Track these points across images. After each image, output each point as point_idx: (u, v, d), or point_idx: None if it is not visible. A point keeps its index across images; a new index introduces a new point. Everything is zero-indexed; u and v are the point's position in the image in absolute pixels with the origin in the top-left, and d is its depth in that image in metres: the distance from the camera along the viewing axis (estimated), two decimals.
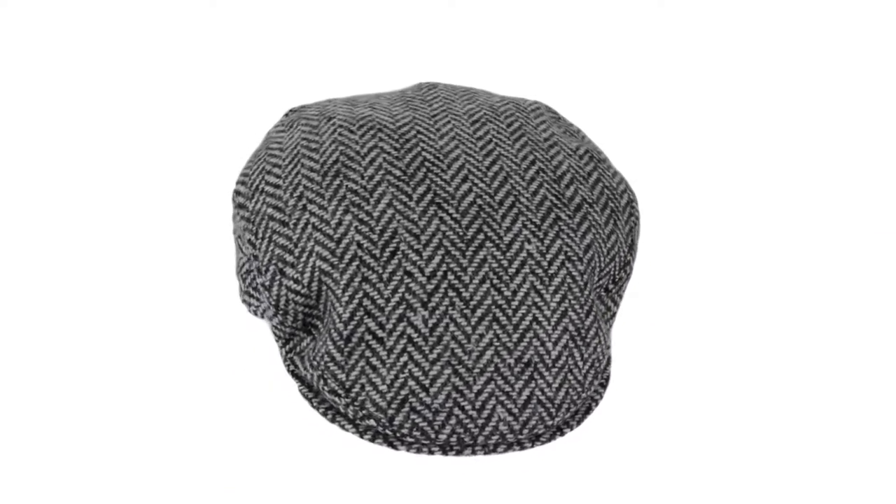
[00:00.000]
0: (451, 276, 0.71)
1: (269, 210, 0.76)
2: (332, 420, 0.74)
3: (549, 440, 0.73)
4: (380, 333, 0.71)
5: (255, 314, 0.81)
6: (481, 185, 0.75)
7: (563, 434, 0.74)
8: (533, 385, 0.70)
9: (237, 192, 0.81)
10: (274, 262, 0.75)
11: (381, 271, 0.72)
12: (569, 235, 0.74)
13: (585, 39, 1.29)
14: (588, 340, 0.73)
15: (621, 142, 1.17)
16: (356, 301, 0.71)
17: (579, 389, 0.73)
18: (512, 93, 1.28)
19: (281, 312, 0.77)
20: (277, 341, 0.81)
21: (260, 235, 0.76)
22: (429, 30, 1.30)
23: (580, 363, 0.72)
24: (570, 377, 0.72)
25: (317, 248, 0.73)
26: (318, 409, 0.75)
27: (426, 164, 0.77)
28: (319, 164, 0.77)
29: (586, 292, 0.73)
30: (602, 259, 0.76)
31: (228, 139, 1.15)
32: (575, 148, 0.83)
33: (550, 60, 1.27)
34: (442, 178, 0.75)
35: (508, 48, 1.29)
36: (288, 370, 0.79)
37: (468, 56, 1.28)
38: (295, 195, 0.76)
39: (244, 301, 0.81)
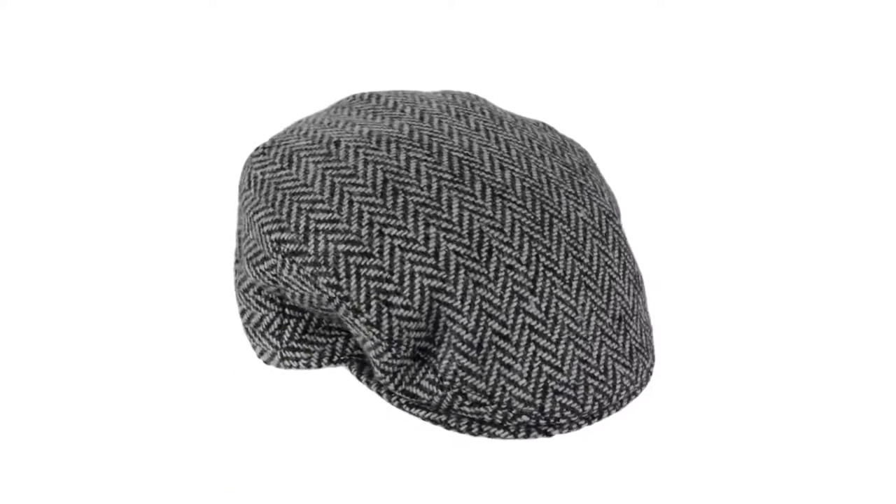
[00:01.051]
0: (543, 259, 0.73)
1: (342, 246, 0.71)
2: (479, 433, 0.73)
3: (649, 382, 0.79)
4: (504, 332, 0.71)
5: (306, 366, 0.77)
6: (517, 169, 0.77)
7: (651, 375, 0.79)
8: (629, 336, 0.75)
9: (280, 241, 0.73)
10: (374, 296, 0.71)
11: (486, 272, 0.72)
12: (598, 196, 0.79)
13: (585, 39, 1.29)
14: (643, 285, 0.79)
15: (621, 142, 1.17)
16: (477, 308, 0.71)
17: (651, 330, 0.79)
18: (512, 93, 1.28)
19: (395, 345, 0.72)
20: (379, 381, 0.75)
21: (343, 274, 0.71)
22: (429, 30, 1.30)
23: (645, 306, 0.79)
24: (644, 321, 0.78)
25: (417, 269, 0.71)
26: (457, 428, 0.73)
27: (463, 162, 0.76)
28: (370, 187, 0.74)
29: (628, 242, 0.79)
30: (617, 209, 0.82)
31: (228, 139, 1.15)
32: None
33: (550, 60, 1.27)
34: (486, 172, 0.76)
35: (508, 48, 1.29)
36: (400, 405, 0.75)
37: (468, 56, 1.28)
38: (364, 224, 0.72)
39: (285, 357, 0.77)
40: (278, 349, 0.78)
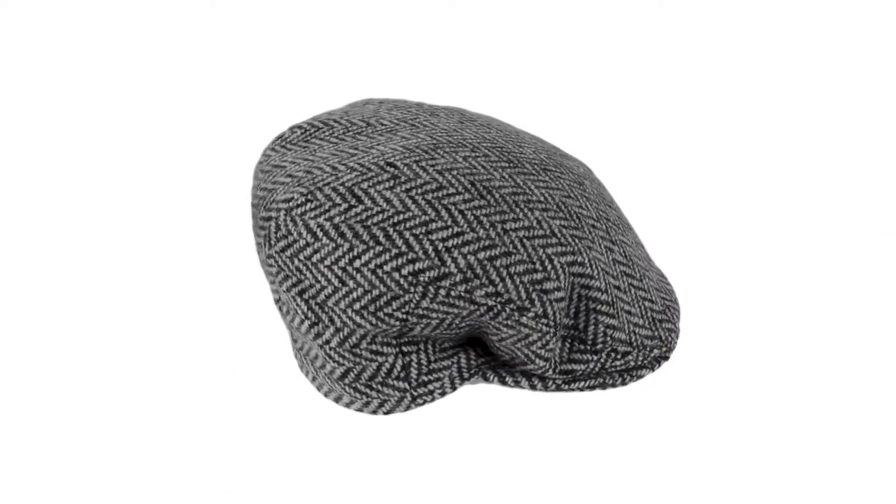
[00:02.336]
0: (603, 217, 0.82)
1: (482, 254, 0.72)
2: (632, 379, 0.79)
3: None
4: (617, 283, 0.78)
5: (441, 394, 0.77)
6: (533, 149, 0.83)
7: None
8: (651, 264, 0.87)
9: (414, 273, 0.71)
10: (531, 289, 0.72)
11: (587, 236, 0.78)
12: (570, 160, 0.87)
13: (585, 39, 1.29)
14: None
15: (621, 141, 1.17)
16: (599, 269, 0.77)
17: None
18: (512, 94, 1.28)
19: (557, 328, 0.74)
20: (535, 373, 0.77)
21: (497, 279, 0.72)
22: (429, 30, 1.30)
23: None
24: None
25: (549, 251, 0.74)
26: (613, 384, 0.79)
27: (503, 150, 0.81)
28: (465, 193, 0.75)
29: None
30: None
31: (228, 139, 1.15)
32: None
33: (550, 60, 1.27)
34: (523, 155, 0.81)
35: (508, 48, 1.29)
36: (557, 388, 0.78)
37: (468, 56, 1.28)
38: (486, 226, 0.73)
39: (417, 396, 0.76)
40: (407, 390, 0.76)
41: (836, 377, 0.85)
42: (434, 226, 0.72)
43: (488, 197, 0.75)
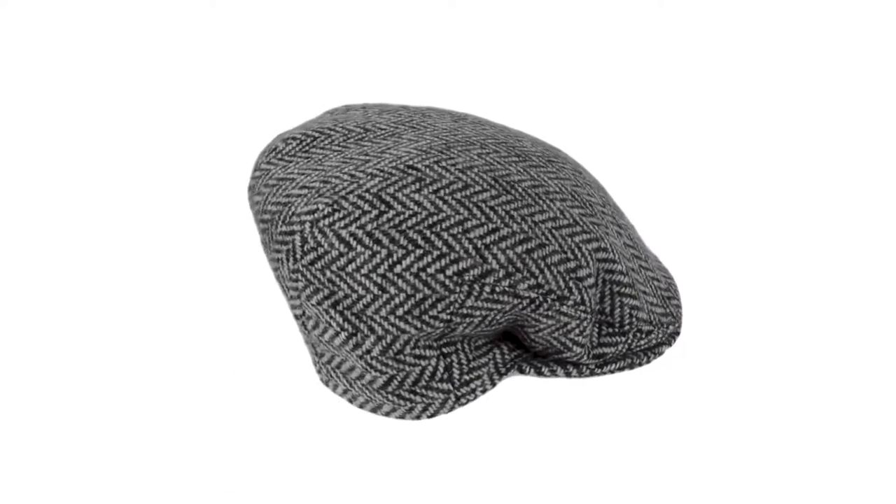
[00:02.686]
0: (608, 203, 0.85)
1: (519, 248, 0.74)
2: (654, 356, 0.82)
3: None
4: (631, 265, 0.82)
5: (482, 391, 0.78)
6: (530, 143, 0.85)
7: None
8: (647, 245, 0.90)
9: (458, 273, 0.72)
10: (568, 277, 0.74)
11: (601, 222, 0.80)
12: (559, 150, 0.90)
13: (585, 40, 1.29)
14: None
15: (621, 142, 1.17)
16: (618, 253, 0.79)
17: None
18: (513, 94, 1.28)
19: (595, 313, 0.77)
20: (571, 360, 0.79)
21: (537, 271, 0.73)
22: (429, 30, 1.30)
23: None
24: None
25: (576, 239, 0.76)
26: (640, 363, 0.81)
27: (507, 146, 0.82)
28: (492, 189, 0.76)
29: None
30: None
31: (228, 139, 1.15)
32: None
33: (551, 61, 1.27)
34: (524, 147, 0.83)
35: (508, 48, 1.29)
36: (591, 373, 0.80)
37: (468, 57, 1.28)
38: (517, 221, 0.75)
39: (461, 395, 0.77)
40: (451, 391, 0.76)
41: (833, 373, 0.85)
42: (469, 224, 0.73)
43: (512, 192, 0.76)
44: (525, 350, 0.80)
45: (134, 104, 1.21)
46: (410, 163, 0.77)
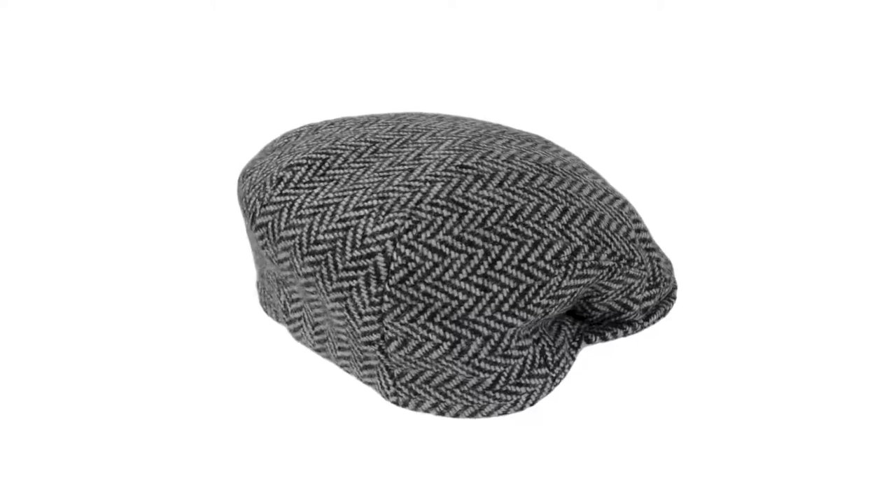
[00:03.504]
0: (590, 169, 0.86)
1: (589, 223, 0.77)
2: (665, 314, 0.85)
3: None
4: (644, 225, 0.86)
5: (569, 367, 0.80)
6: (513, 129, 0.88)
7: None
8: None
9: (556, 255, 0.73)
10: (627, 241, 0.78)
11: (611, 188, 0.83)
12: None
13: (586, 41, 1.30)
14: None
15: (622, 142, 1.17)
16: (638, 218, 0.83)
17: None
18: (513, 94, 1.28)
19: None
20: (628, 320, 0.82)
21: (609, 239, 0.77)
22: (429, 30, 1.30)
23: None
24: None
25: (614, 206, 0.81)
26: (655, 321, 0.84)
27: (509, 133, 0.85)
28: (544, 175, 0.78)
29: None
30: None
31: (228, 139, 1.15)
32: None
33: (551, 61, 1.28)
34: (514, 131, 0.86)
35: (508, 49, 1.29)
36: (636, 331, 0.83)
37: (468, 57, 1.28)
38: (577, 198, 0.78)
39: (558, 376, 0.79)
40: (548, 374, 0.78)
41: (828, 367, 0.85)
42: (544, 209, 0.75)
43: (557, 172, 0.79)
44: (582, 321, 0.83)
45: (134, 105, 1.21)
46: (459, 163, 0.77)
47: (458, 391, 0.76)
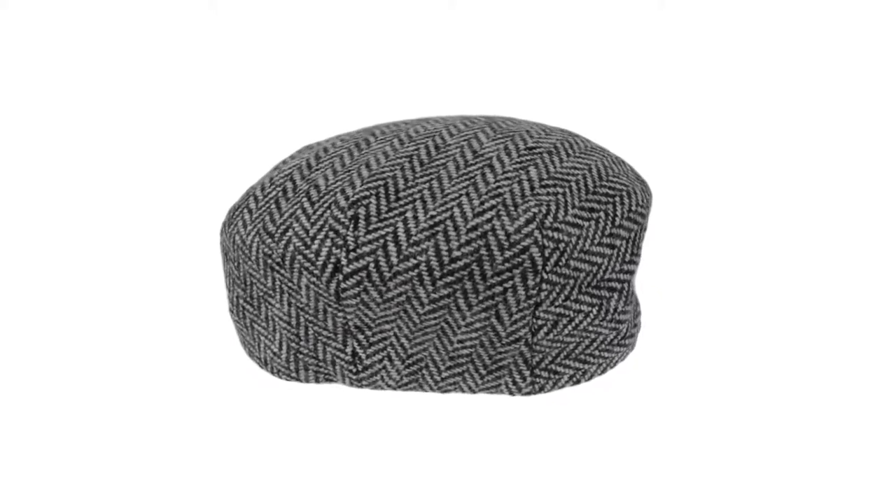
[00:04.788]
0: None
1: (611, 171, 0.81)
2: None
3: None
4: None
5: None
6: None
7: None
8: None
9: (639, 201, 0.80)
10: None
11: None
12: None
13: (586, 41, 1.29)
14: None
15: (622, 143, 1.17)
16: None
17: None
18: (512, 95, 1.28)
19: None
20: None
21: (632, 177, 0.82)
22: (429, 30, 1.30)
23: None
24: None
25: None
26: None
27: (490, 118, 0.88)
28: (574, 138, 0.83)
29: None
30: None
31: (228, 140, 1.15)
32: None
33: (551, 62, 1.27)
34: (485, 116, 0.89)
35: (509, 50, 1.29)
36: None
37: (468, 58, 1.28)
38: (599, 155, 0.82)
39: (637, 323, 0.83)
40: (638, 305, 0.84)
41: (828, 370, 0.85)
42: (606, 164, 0.81)
43: (573, 134, 0.86)
44: None
45: (133, 105, 1.21)
46: (523, 147, 0.80)
47: (597, 351, 0.80)
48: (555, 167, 0.78)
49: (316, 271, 0.74)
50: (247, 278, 0.77)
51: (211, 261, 0.97)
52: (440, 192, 0.76)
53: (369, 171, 0.77)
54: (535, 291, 0.74)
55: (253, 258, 0.76)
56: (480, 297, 0.74)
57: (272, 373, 0.81)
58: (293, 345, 0.78)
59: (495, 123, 0.84)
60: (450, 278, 0.73)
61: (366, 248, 0.74)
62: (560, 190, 0.76)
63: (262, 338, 0.80)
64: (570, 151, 0.80)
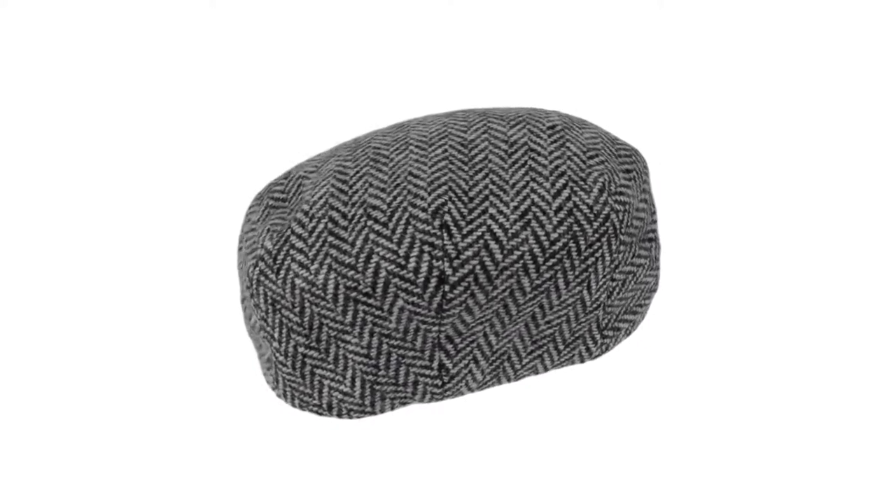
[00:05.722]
0: None
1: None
2: None
3: None
4: None
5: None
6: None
7: None
8: None
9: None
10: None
11: None
12: None
13: (586, 40, 1.29)
14: None
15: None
16: None
17: None
18: (511, 94, 1.28)
19: None
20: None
21: None
22: (429, 30, 1.30)
23: None
24: None
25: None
26: None
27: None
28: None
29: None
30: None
31: (228, 140, 1.14)
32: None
33: (551, 61, 1.27)
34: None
35: (508, 49, 1.29)
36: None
37: (468, 56, 1.28)
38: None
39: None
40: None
41: (827, 369, 0.85)
42: (601, 132, 0.85)
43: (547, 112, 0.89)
44: None
45: (133, 105, 1.21)
46: (544, 126, 0.81)
47: (643, 300, 0.85)
48: (581, 140, 0.80)
49: (417, 290, 0.72)
50: (314, 322, 0.73)
51: (209, 261, 0.97)
52: (506, 183, 0.76)
53: (423, 180, 0.76)
54: (618, 255, 0.77)
55: (329, 296, 0.72)
56: (577, 272, 0.76)
57: (338, 415, 0.78)
58: (369, 377, 0.76)
59: (486, 113, 0.84)
60: (552, 261, 0.74)
61: (468, 253, 0.73)
62: (602, 158, 0.79)
63: (328, 382, 0.76)
64: (571, 123, 0.82)
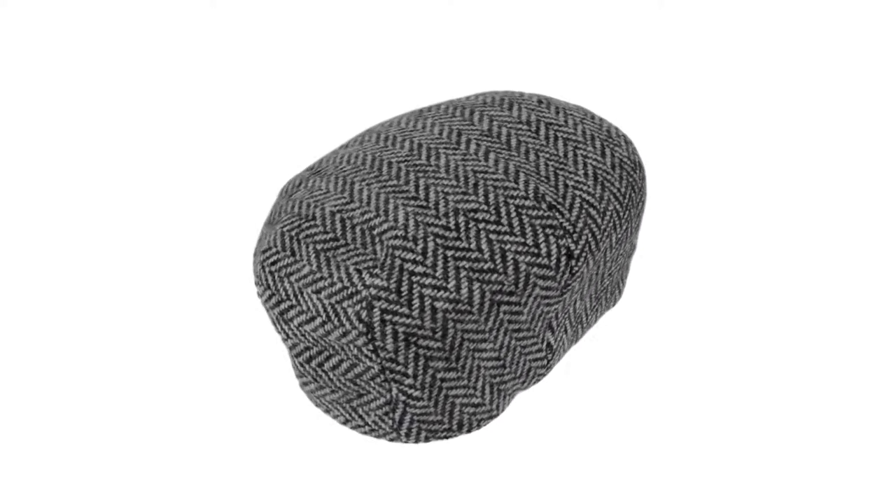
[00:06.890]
0: None
1: None
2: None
3: None
4: None
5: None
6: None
7: None
8: None
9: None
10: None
11: None
12: None
13: (586, 39, 1.29)
14: None
15: None
16: None
17: None
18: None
19: None
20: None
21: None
22: (428, 29, 1.30)
23: None
24: None
25: None
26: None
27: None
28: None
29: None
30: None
31: (228, 140, 1.15)
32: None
33: (551, 61, 1.27)
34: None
35: (508, 48, 1.29)
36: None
37: (467, 55, 1.28)
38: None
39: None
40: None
41: (825, 369, 0.85)
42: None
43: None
44: None
45: (133, 105, 1.21)
46: (534, 102, 0.85)
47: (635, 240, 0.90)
48: (566, 105, 0.84)
49: (551, 272, 0.73)
50: (455, 339, 0.71)
51: (209, 262, 0.97)
52: (558, 155, 0.79)
53: (496, 173, 0.76)
54: (643, 202, 0.82)
55: (475, 307, 0.70)
56: (639, 220, 0.82)
57: (468, 430, 0.77)
58: (496, 379, 0.76)
59: (455, 107, 0.84)
60: (628, 213, 0.79)
61: (580, 224, 0.75)
62: (597, 119, 0.84)
63: (460, 400, 0.75)
64: (539, 95, 0.86)
